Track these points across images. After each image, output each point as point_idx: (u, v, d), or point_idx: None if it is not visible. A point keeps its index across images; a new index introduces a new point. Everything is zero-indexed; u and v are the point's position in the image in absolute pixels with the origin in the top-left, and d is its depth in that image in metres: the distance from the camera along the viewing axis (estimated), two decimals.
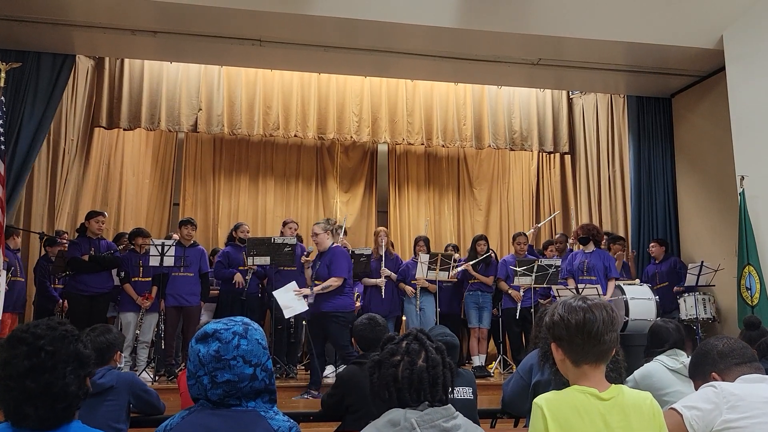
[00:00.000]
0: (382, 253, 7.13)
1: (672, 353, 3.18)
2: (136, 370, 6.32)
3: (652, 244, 7.81)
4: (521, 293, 7.05)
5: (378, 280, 6.96)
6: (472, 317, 7.29)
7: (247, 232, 7.22)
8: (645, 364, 3.22)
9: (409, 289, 7.07)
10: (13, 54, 6.49)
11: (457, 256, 7.53)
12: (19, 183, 6.61)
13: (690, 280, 7.07)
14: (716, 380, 2.08)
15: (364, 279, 7.10)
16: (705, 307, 7.07)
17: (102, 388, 3.00)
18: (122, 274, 6.54)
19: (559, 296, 6.48)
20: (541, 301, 7.10)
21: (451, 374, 1.75)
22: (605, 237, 7.69)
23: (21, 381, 1.40)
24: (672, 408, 1.98)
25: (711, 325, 7.22)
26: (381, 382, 1.71)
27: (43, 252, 7.07)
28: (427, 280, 7.02)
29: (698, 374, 2.23)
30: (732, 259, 6.71)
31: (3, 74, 5.66)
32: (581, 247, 6.97)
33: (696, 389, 2.19)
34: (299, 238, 7.24)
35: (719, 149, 7.20)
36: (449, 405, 1.70)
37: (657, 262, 7.70)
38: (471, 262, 7.25)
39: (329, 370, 6.69)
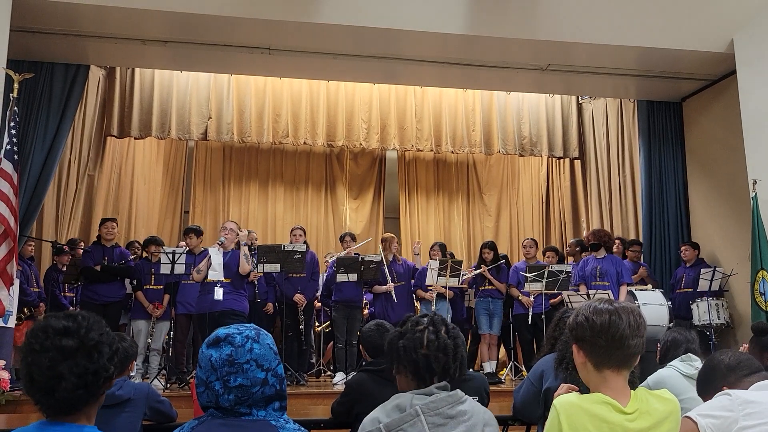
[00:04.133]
0: (390, 259, 7.14)
1: (686, 358, 3.14)
2: (148, 378, 6.35)
3: (684, 247, 7.60)
4: (531, 299, 7.03)
5: (387, 286, 6.97)
6: (482, 323, 7.26)
7: (255, 239, 7.24)
8: (659, 370, 3.19)
9: (428, 295, 7.06)
10: (26, 65, 6.55)
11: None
12: (39, 193, 6.63)
13: (703, 285, 7.01)
14: None
15: (375, 287, 7.10)
16: (718, 312, 7.00)
17: (120, 399, 3.00)
18: (134, 282, 6.58)
19: (570, 302, 6.45)
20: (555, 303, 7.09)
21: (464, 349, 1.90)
22: (618, 242, 7.65)
23: (58, 340, 1.42)
24: (687, 416, 1.95)
25: (725, 330, 7.15)
26: (407, 346, 1.82)
27: (52, 261, 7.12)
28: (440, 286, 7.01)
29: (708, 390, 2.20)
30: (745, 264, 6.64)
31: (16, 85, 5.72)
32: (593, 253, 6.94)
33: (704, 401, 2.17)
34: (307, 245, 7.25)
35: (731, 153, 7.15)
36: (457, 390, 1.76)
37: (688, 265, 7.51)
38: (487, 268, 7.24)
39: (339, 377, 6.69)
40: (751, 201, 6.39)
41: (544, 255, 7.85)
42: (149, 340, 6.54)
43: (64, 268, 6.95)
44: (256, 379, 1.55)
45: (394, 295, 6.93)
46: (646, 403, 1.70)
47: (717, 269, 7.05)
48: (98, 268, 6.37)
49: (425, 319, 1.89)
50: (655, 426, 1.67)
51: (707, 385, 2.22)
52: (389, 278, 7.00)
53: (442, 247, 7.51)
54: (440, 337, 1.83)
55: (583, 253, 7.46)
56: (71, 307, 6.85)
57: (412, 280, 7.28)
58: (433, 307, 7.01)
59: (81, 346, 1.43)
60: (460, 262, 7.09)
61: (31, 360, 1.42)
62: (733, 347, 6.65)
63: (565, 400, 1.68)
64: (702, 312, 6.98)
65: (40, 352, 1.42)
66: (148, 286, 6.63)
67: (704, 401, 2.18)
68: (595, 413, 1.63)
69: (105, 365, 1.46)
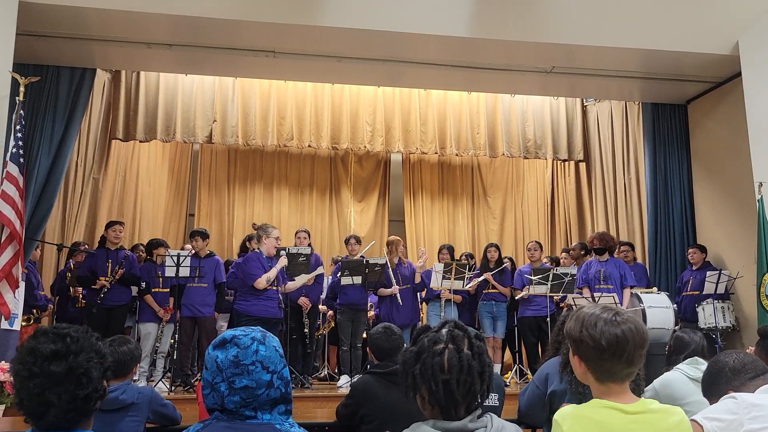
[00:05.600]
0: (396, 262, 7.14)
1: (692, 362, 3.13)
2: (153, 381, 6.35)
3: (692, 250, 7.53)
4: (526, 291, 7.00)
5: (392, 289, 6.98)
6: (486, 327, 7.25)
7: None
8: (665, 373, 3.17)
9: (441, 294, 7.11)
10: (32, 68, 6.57)
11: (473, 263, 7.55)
12: (49, 197, 6.61)
13: (708, 288, 6.98)
14: None
15: (380, 290, 7.10)
16: (724, 315, 6.98)
17: (123, 404, 3.00)
18: (143, 285, 6.57)
19: (575, 305, 6.43)
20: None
21: (491, 367, 1.63)
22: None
23: (46, 366, 1.40)
24: (692, 420, 1.94)
25: (731, 333, 7.12)
26: (425, 374, 1.53)
27: (64, 262, 7.14)
28: (447, 290, 7.00)
29: (713, 393, 2.19)
30: (751, 267, 6.62)
31: (22, 88, 5.74)
32: (595, 256, 6.94)
33: (710, 403, 2.16)
34: (312, 248, 7.25)
35: (736, 156, 7.13)
36: (495, 425, 1.56)
37: (695, 268, 7.45)
38: (491, 273, 7.23)
39: (344, 380, 6.69)
40: (757, 203, 6.37)
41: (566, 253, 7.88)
42: (157, 344, 6.55)
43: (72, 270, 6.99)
44: (261, 380, 1.55)
45: (399, 298, 6.93)
46: (651, 409, 1.64)
47: (723, 272, 7.02)
48: (103, 280, 6.39)
49: (444, 332, 1.59)
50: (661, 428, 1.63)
51: (712, 388, 2.21)
52: (394, 281, 7.00)
53: (450, 250, 7.51)
54: (463, 357, 1.53)
55: (587, 256, 7.46)
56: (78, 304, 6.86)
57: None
58: (442, 311, 7.01)
59: (69, 371, 1.41)
60: (465, 266, 7.06)
61: (19, 386, 1.42)
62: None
63: (565, 412, 1.62)
64: (708, 315, 6.95)
65: (28, 378, 1.40)
66: (156, 289, 6.63)
67: (710, 403, 2.17)
68: (599, 419, 1.58)
69: (96, 387, 1.45)
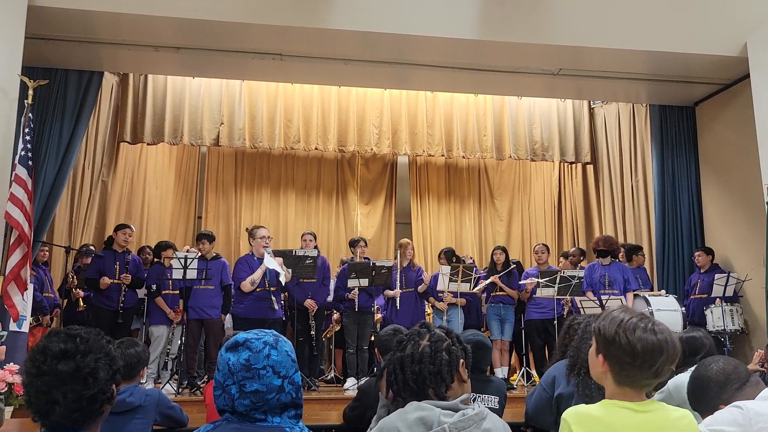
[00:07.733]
0: (405, 264, 7.14)
1: None
2: (160, 383, 6.37)
3: (697, 253, 7.50)
4: (533, 280, 6.99)
5: (394, 291, 6.98)
6: (493, 329, 7.23)
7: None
8: (678, 375, 3.15)
9: (441, 305, 7.07)
10: (41, 71, 6.63)
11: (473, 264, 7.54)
12: (53, 199, 6.66)
13: (717, 291, 6.95)
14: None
15: (386, 291, 7.10)
16: (732, 318, 6.93)
17: (131, 406, 3.01)
18: (154, 287, 6.59)
19: (582, 308, 6.41)
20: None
21: (464, 352, 1.81)
22: (622, 249, 7.60)
23: (54, 364, 1.42)
24: None
25: (739, 336, 7.08)
26: (394, 368, 1.79)
27: (71, 264, 7.17)
28: (450, 292, 6.99)
29: (703, 408, 2.13)
30: (760, 269, 6.58)
31: (31, 91, 5.78)
32: (598, 260, 6.93)
33: (702, 417, 2.12)
34: (318, 251, 7.25)
35: (744, 158, 7.09)
36: (482, 408, 1.69)
37: (702, 271, 7.40)
38: (498, 276, 7.21)
39: (350, 382, 6.68)
40: (765, 206, 6.33)
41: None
42: (168, 347, 6.58)
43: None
44: (272, 385, 1.55)
45: (397, 301, 6.93)
46: (661, 408, 1.63)
47: (731, 275, 6.98)
48: (106, 281, 6.43)
49: (407, 333, 1.89)
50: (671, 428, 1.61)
51: (701, 404, 2.16)
52: (397, 284, 7.00)
53: (449, 254, 7.48)
54: (418, 349, 1.79)
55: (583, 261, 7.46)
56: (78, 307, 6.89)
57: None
58: (445, 315, 7.00)
59: (77, 371, 1.43)
60: (471, 268, 7.06)
61: (28, 383, 1.44)
62: (748, 353, 6.58)
63: (573, 411, 1.61)
64: (716, 318, 6.91)
65: (37, 376, 1.42)
66: (166, 291, 6.64)
67: (702, 417, 2.12)
68: (607, 420, 1.57)
69: (102, 389, 1.46)
